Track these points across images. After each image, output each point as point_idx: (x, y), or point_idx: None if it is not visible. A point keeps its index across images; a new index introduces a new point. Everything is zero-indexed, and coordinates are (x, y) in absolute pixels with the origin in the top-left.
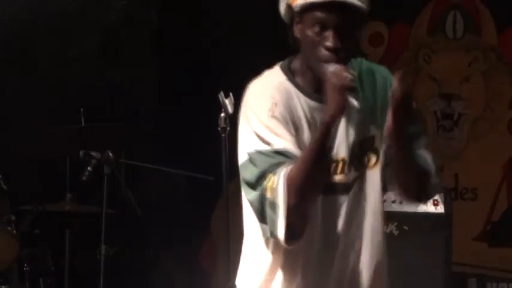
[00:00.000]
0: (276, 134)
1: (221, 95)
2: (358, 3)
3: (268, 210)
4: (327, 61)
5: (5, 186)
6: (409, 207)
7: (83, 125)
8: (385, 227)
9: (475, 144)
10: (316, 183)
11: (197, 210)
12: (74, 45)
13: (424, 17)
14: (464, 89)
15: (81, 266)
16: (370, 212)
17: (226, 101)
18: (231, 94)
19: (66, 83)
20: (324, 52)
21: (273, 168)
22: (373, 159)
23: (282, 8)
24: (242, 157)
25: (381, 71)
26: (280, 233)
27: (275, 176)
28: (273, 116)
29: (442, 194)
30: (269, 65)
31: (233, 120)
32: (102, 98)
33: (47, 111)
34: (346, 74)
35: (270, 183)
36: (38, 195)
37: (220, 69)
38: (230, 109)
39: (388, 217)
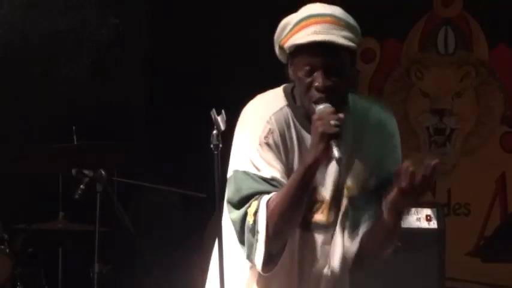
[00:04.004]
0: (266, 161)
1: (213, 112)
2: (345, 42)
3: (247, 234)
4: (318, 102)
5: None
6: (402, 223)
7: (75, 143)
8: None
9: (467, 160)
10: (293, 218)
11: (190, 228)
12: (65, 65)
13: (416, 33)
14: (456, 104)
15: (74, 285)
16: (339, 252)
17: (219, 118)
18: (223, 111)
19: (57, 102)
20: (314, 93)
21: (257, 194)
22: (344, 207)
23: (276, 49)
24: (229, 173)
25: (378, 118)
26: (258, 259)
27: (257, 202)
28: (267, 143)
29: (435, 209)
30: (262, 85)
31: (225, 137)
32: (94, 116)
33: (39, 130)
34: (331, 119)
35: (251, 209)
36: (31, 214)
37: (212, 87)
38: (222, 126)
39: None
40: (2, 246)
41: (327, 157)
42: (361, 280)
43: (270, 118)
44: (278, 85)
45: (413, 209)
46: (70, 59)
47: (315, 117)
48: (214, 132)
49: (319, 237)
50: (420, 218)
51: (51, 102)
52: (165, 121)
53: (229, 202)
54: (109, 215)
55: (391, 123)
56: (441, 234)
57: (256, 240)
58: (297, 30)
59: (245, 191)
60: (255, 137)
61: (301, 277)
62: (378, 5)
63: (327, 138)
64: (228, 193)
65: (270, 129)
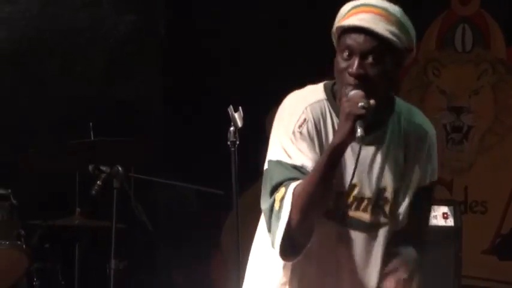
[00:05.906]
0: (298, 149)
1: (230, 108)
2: (386, 34)
3: (273, 220)
4: (349, 86)
5: (14, 201)
6: None
7: (92, 139)
8: None
9: (484, 157)
10: (318, 203)
11: (207, 225)
12: (81, 61)
13: (433, 30)
14: (473, 102)
15: (91, 281)
16: (378, 258)
17: (236, 115)
18: (240, 108)
19: (74, 98)
20: (347, 77)
21: (286, 182)
22: (388, 208)
23: (332, 37)
24: (265, 164)
25: (419, 126)
26: (277, 244)
27: (285, 189)
28: (300, 132)
29: (452, 207)
30: (279, 81)
31: (242, 134)
32: (110, 113)
33: (56, 127)
34: (360, 101)
35: (278, 195)
36: (48, 210)
37: (229, 84)
38: (239, 123)
39: None
40: (19, 242)
41: (352, 139)
42: None
43: (306, 108)
44: (300, 83)
45: None
46: (86, 55)
47: (344, 99)
48: (231, 128)
49: (358, 235)
50: (437, 216)
51: (68, 99)
52: (181, 117)
53: (263, 194)
54: (126, 212)
55: (433, 133)
56: (458, 232)
57: (278, 226)
58: (348, 16)
59: (276, 179)
60: (290, 126)
61: (336, 275)
62: (394, 2)
63: (352, 119)
64: (263, 184)
65: (304, 118)
